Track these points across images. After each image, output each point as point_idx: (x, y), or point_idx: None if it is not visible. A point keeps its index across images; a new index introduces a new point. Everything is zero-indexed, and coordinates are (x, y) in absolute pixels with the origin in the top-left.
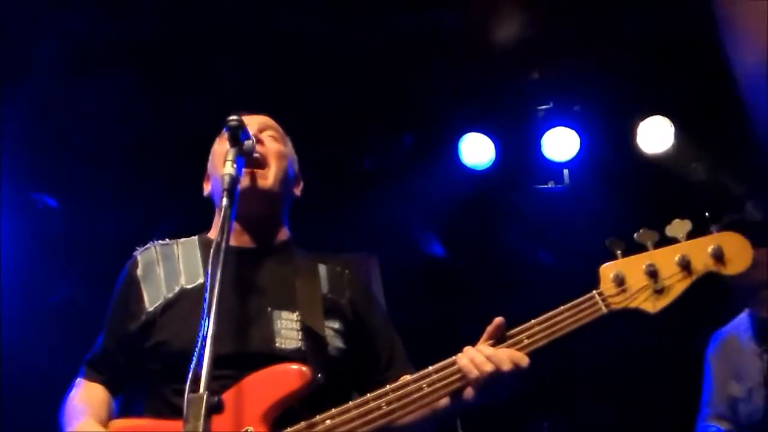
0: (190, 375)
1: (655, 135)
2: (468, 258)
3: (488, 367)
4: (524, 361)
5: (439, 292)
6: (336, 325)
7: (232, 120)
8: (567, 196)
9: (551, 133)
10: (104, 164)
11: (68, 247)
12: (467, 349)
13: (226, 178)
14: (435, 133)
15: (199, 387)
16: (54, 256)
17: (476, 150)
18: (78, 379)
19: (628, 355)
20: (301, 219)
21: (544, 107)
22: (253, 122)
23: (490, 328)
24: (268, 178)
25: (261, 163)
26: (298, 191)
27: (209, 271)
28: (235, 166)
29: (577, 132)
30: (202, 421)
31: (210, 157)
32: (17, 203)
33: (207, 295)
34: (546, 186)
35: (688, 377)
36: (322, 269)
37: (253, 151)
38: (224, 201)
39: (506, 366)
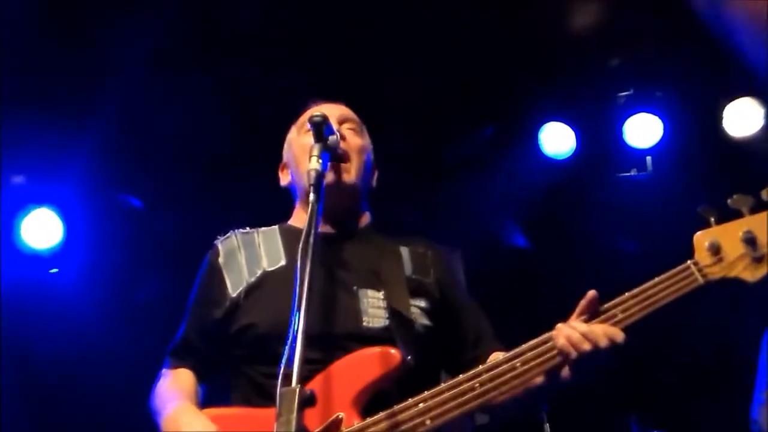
0: (281, 368)
1: (743, 118)
2: (551, 249)
3: (586, 346)
4: (620, 336)
5: (522, 284)
6: (422, 303)
7: (317, 116)
8: (650, 184)
9: (633, 119)
10: (187, 164)
11: (153, 246)
12: (561, 326)
13: (313, 174)
14: (515, 123)
15: (291, 380)
16: (139, 256)
17: (557, 139)
18: (164, 370)
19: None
20: (382, 213)
21: (624, 94)
22: (333, 113)
23: (583, 302)
24: (351, 172)
25: (344, 158)
26: (374, 181)
27: (298, 266)
28: (320, 161)
29: (659, 118)
30: (295, 414)
31: (286, 146)
32: (104, 205)
33: (297, 289)
34: (629, 174)
35: None
36: (405, 251)
37: (337, 146)
38: (311, 196)
39: (603, 342)
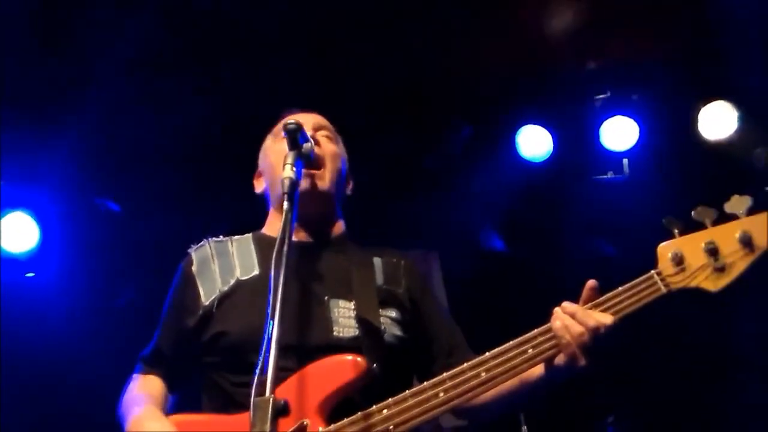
0: (255, 377)
1: (717, 121)
2: (528, 251)
3: (577, 329)
4: (608, 318)
5: (500, 286)
6: (393, 313)
7: (291, 124)
8: (627, 187)
9: (609, 122)
10: (165, 169)
11: (131, 251)
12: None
13: (287, 182)
14: (492, 126)
15: (264, 390)
16: (116, 260)
17: (534, 142)
18: (134, 375)
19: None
20: (359, 216)
21: (601, 96)
22: (307, 121)
23: (584, 292)
24: (326, 179)
25: (318, 164)
26: (349, 189)
27: (272, 275)
28: (294, 169)
29: (635, 121)
30: (269, 424)
31: (261, 154)
32: (80, 209)
33: (270, 298)
34: (605, 176)
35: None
36: (378, 261)
37: (311, 153)
38: (285, 205)
39: (591, 322)
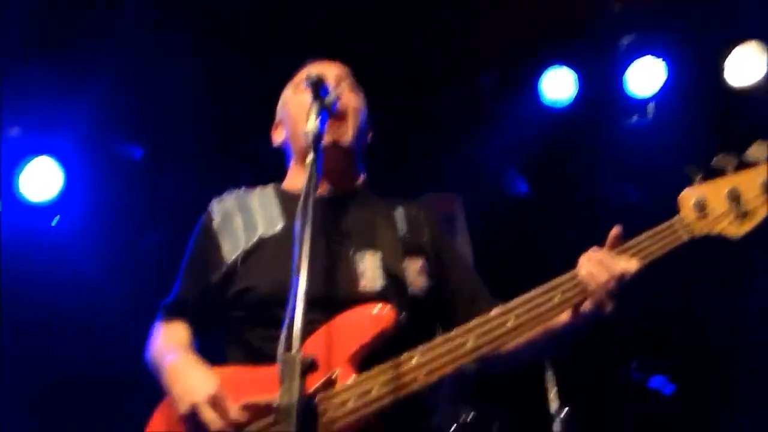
0: (282, 333)
1: (748, 64)
2: (551, 196)
3: (603, 275)
4: (633, 264)
5: (524, 230)
6: (417, 263)
7: (315, 75)
8: (652, 131)
9: (635, 65)
10: (188, 115)
11: (153, 197)
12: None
13: (311, 135)
14: (515, 70)
15: (292, 346)
16: (139, 207)
17: (558, 86)
18: (157, 323)
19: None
20: (384, 162)
21: (627, 38)
22: (330, 71)
23: (609, 239)
24: (348, 132)
25: (341, 117)
26: (369, 138)
27: (297, 230)
28: (318, 122)
29: (661, 64)
30: (297, 381)
31: (280, 105)
32: (104, 155)
33: (296, 253)
34: (630, 121)
35: None
36: (399, 212)
37: (334, 105)
38: (309, 158)
39: (617, 269)
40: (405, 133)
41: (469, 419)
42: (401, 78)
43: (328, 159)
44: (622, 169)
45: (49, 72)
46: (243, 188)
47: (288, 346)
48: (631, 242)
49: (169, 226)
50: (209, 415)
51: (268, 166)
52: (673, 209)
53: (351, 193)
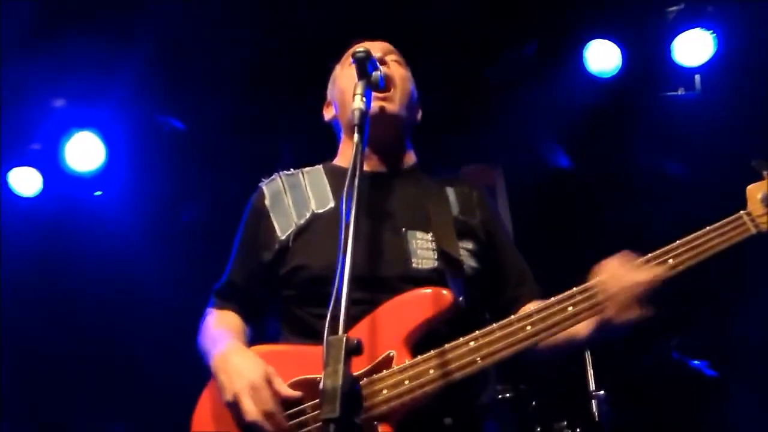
0: (329, 313)
1: None
2: (593, 168)
3: (627, 296)
4: (660, 277)
5: (565, 203)
6: (469, 245)
7: (360, 52)
8: (698, 104)
9: (682, 36)
10: (229, 85)
11: (195, 167)
12: (605, 279)
13: (357, 113)
14: (559, 40)
15: (337, 327)
16: (182, 177)
17: (602, 57)
18: (209, 309)
19: None
20: (426, 132)
21: (674, 8)
22: (375, 48)
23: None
24: (395, 101)
25: (387, 86)
26: (418, 117)
27: (343, 209)
28: (364, 99)
29: (710, 34)
30: (342, 365)
31: (331, 83)
32: (146, 127)
33: (342, 232)
34: (676, 93)
35: None
36: (451, 192)
37: (380, 80)
38: (356, 136)
39: (644, 276)
40: (447, 104)
41: (507, 397)
42: (444, 49)
43: (375, 128)
44: (667, 143)
45: (92, 44)
46: (291, 169)
47: (333, 328)
48: (690, 237)
49: (210, 197)
50: (247, 405)
51: (310, 139)
52: (715, 184)
53: (400, 171)
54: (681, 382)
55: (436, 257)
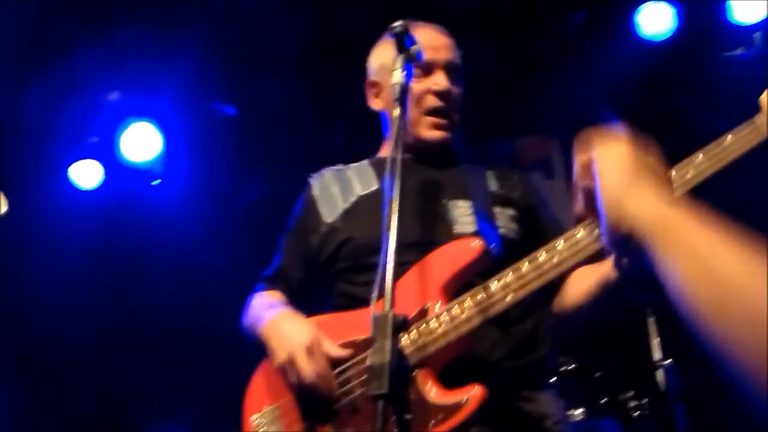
0: (374, 289)
1: None
2: (649, 135)
3: None
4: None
5: None
6: (510, 211)
7: (397, 26)
8: (759, 63)
9: None
10: (281, 72)
11: (251, 153)
12: None
13: (397, 87)
14: (609, 4)
15: (384, 303)
16: (238, 164)
17: (655, 19)
18: (256, 294)
19: None
20: (479, 106)
21: None
22: (438, 56)
23: None
24: (454, 125)
25: (449, 115)
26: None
27: (386, 182)
28: (404, 73)
29: None
30: (389, 341)
31: (375, 68)
32: (201, 115)
33: (386, 208)
34: (735, 53)
35: None
36: (491, 173)
37: (419, 54)
38: (396, 111)
39: None
40: (500, 74)
41: (570, 368)
42: (494, 18)
43: (432, 149)
44: (726, 106)
45: (144, 33)
46: (339, 165)
47: (378, 304)
48: (712, 144)
49: (268, 179)
50: (304, 363)
51: (364, 120)
52: None
53: (443, 158)
54: None
55: (475, 222)
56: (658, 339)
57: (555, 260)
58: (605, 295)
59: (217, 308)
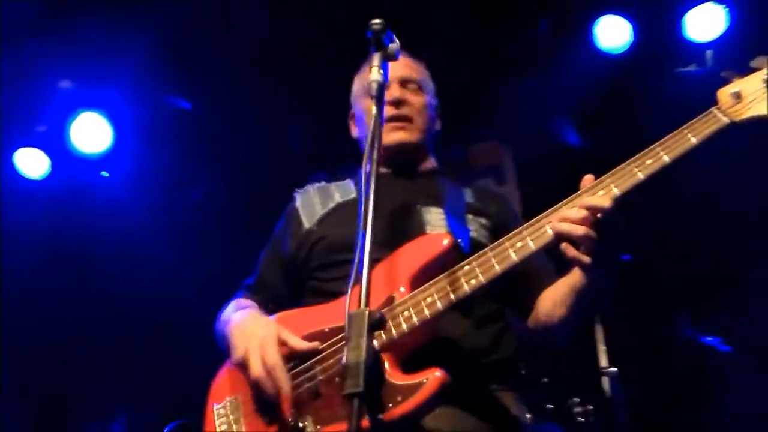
0: (349, 287)
1: None
2: (603, 146)
3: (578, 230)
4: (606, 202)
5: (573, 180)
6: (482, 220)
7: (376, 24)
8: (710, 80)
9: (693, 11)
10: (237, 69)
11: (203, 148)
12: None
13: (374, 85)
14: (569, 16)
15: (359, 302)
16: (189, 157)
17: (612, 33)
18: (233, 301)
19: None
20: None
21: None
22: (394, 73)
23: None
24: (413, 131)
25: (407, 119)
26: (438, 125)
27: (361, 174)
28: (381, 72)
29: (723, 9)
30: (365, 338)
31: (353, 97)
32: (152, 108)
33: (362, 207)
34: (687, 69)
35: None
36: (469, 190)
37: (397, 53)
38: (374, 109)
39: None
40: (456, 81)
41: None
42: (455, 27)
43: (395, 157)
44: (678, 120)
45: (98, 24)
46: (322, 182)
47: (353, 301)
48: (670, 135)
49: (219, 175)
50: (254, 357)
51: (319, 115)
52: (728, 164)
53: (420, 172)
54: (693, 358)
55: (447, 227)
56: (604, 347)
57: (519, 245)
58: (579, 304)
59: (165, 299)
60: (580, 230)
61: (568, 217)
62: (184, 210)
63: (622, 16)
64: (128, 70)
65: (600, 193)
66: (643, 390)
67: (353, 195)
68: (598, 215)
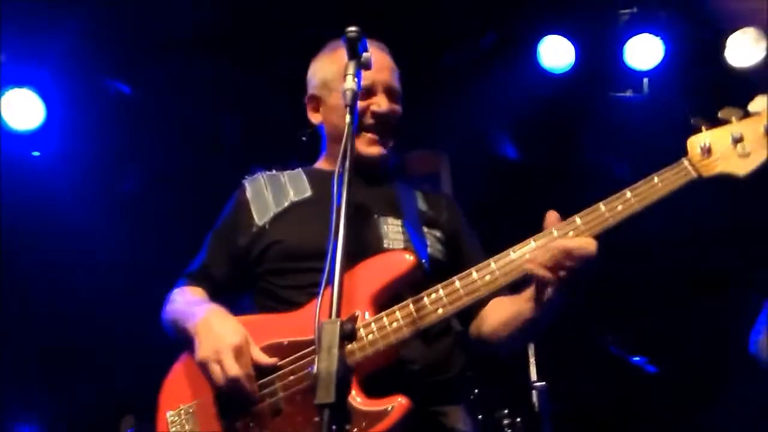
0: (319, 297)
1: (746, 47)
2: (540, 161)
3: (555, 273)
4: (591, 245)
5: (509, 193)
6: (436, 233)
7: (351, 31)
8: (645, 106)
9: (634, 39)
10: (175, 55)
11: (139, 133)
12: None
13: (348, 94)
14: (515, 33)
15: (330, 313)
16: (124, 144)
17: (555, 53)
18: (177, 288)
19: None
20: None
21: (627, 11)
22: (379, 77)
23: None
24: (389, 144)
25: (388, 135)
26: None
27: (335, 191)
28: (356, 80)
29: (660, 39)
30: (336, 349)
31: (310, 76)
32: (88, 89)
33: (334, 216)
34: (624, 94)
35: None
36: (419, 194)
37: (370, 62)
38: (347, 118)
39: (577, 248)
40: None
41: None
42: (402, 32)
43: (368, 166)
44: (612, 141)
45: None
46: (273, 170)
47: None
48: (640, 183)
49: (152, 162)
50: (230, 362)
51: (259, 97)
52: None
53: (375, 175)
54: (619, 375)
55: (404, 239)
56: (535, 361)
57: (487, 278)
58: (521, 328)
59: (91, 285)
60: (559, 274)
61: (546, 263)
62: (115, 194)
63: (567, 38)
64: (64, 47)
65: (570, 233)
66: (571, 405)
67: (308, 194)
68: (581, 261)
